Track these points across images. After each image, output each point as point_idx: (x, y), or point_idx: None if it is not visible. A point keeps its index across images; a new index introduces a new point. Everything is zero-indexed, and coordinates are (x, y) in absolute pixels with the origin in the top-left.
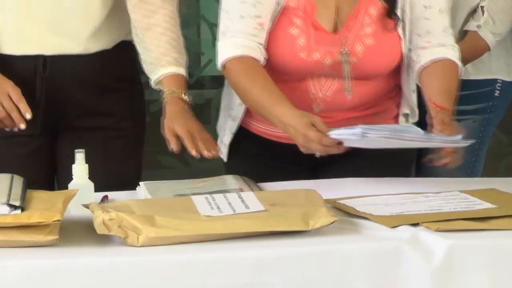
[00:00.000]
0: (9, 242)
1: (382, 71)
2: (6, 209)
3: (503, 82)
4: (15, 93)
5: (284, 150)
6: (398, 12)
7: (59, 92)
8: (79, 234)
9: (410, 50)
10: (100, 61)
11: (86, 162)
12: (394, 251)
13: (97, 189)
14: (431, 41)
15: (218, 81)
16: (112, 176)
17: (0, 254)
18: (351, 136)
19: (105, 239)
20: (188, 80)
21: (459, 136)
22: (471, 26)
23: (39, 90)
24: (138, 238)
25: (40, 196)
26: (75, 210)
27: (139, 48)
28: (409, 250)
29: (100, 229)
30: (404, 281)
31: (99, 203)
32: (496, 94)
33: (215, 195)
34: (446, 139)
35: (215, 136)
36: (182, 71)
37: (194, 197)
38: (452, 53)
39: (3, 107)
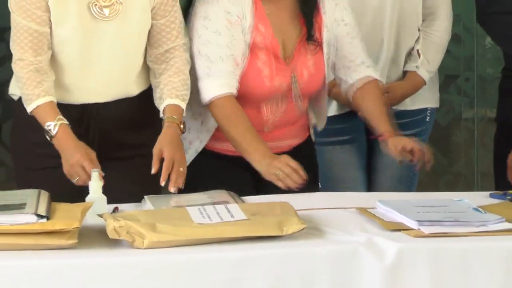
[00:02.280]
0: (37, 245)
1: (317, 90)
2: (34, 218)
3: (431, 109)
4: (87, 164)
5: (238, 160)
6: (325, 46)
7: (107, 130)
8: (94, 239)
9: (335, 70)
10: (140, 101)
11: (120, 184)
12: (352, 252)
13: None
14: (354, 60)
15: None
16: (140, 193)
17: (30, 255)
18: (405, 219)
19: (115, 243)
20: None
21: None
22: (411, 67)
23: (93, 130)
24: (143, 242)
25: (62, 208)
26: (91, 219)
27: (154, 86)
28: (365, 252)
29: (111, 235)
30: (360, 277)
31: (111, 213)
32: (427, 120)
33: (206, 207)
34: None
35: None
36: (182, 104)
37: (189, 208)
38: (373, 70)
39: (78, 176)
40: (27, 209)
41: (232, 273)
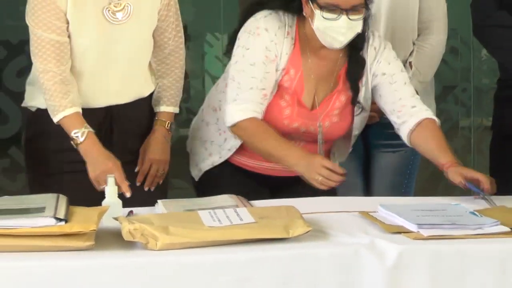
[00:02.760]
0: (56, 247)
1: (336, 138)
2: (53, 221)
3: None
4: (118, 175)
5: (257, 176)
6: (360, 101)
7: (125, 134)
8: (110, 241)
9: (387, 114)
10: (150, 103)
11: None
12: (355, 253)
13: (134, 205)
14: (405, 104)
15: None
16: (147, 197)
17: (49, 256)
18: (405, 223)
19: (130, 245)
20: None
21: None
22: None
23: (115, 132)
24: (156, 243)
25: (79, 211)
26: (107, 222)
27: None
28: (367, 253)
29: (126, 237)
30: (363, 277)
31: (126, 216)
32: None
33: (216, 210)
34: (491, 224)
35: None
36: (176, 110)
37: (200, 212)
38: (426, 113)
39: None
40: (47, 212)
41: (241, 274)
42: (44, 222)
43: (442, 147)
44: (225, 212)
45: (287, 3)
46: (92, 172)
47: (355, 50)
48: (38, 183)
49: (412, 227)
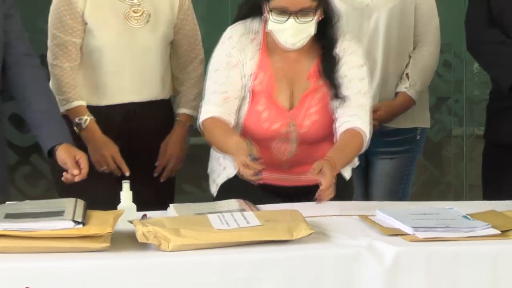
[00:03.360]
0: (74, 248)
1: (322, 137)
2: (71, 224)
3: (422, 128)
4: (117, 157)
5: (270, 188)
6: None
7: (141, 135)
8: (125, 243)
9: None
10: (167, 106)
11: (141, 189)
12: (355, 255)
13: (144, 207)
14: (345, 112)
15: None
16: (155, 198)
17: (67, 257)
18: (402, 226)
19: (144, 246)
20: None
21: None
22: (401, 88)
23: (129, 131)
24: (168, 245)
25: (96, 215)
26: (122, 225)
27: (175, 91)
28: (366, 254)
29: (140, 239)
30: (362, 277)
31: (140, 219)
32: (417, 138)
33: (224, 214)
34: (482, 227)
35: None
36: (195, 113)
37: (209, 215)
38: (360, 123)
39: (108, 165)
40: (65, 216)
41: (248, 274)
42: (63, 225)
43: (338, 148)
44: (233, 215)
45: (253, 10)
46: (93, 155)
47: (327, 49)
48: (66, 184)
49: (408, 229)
